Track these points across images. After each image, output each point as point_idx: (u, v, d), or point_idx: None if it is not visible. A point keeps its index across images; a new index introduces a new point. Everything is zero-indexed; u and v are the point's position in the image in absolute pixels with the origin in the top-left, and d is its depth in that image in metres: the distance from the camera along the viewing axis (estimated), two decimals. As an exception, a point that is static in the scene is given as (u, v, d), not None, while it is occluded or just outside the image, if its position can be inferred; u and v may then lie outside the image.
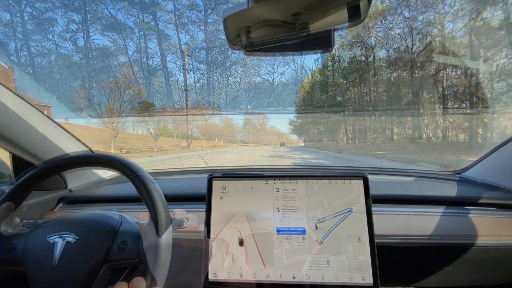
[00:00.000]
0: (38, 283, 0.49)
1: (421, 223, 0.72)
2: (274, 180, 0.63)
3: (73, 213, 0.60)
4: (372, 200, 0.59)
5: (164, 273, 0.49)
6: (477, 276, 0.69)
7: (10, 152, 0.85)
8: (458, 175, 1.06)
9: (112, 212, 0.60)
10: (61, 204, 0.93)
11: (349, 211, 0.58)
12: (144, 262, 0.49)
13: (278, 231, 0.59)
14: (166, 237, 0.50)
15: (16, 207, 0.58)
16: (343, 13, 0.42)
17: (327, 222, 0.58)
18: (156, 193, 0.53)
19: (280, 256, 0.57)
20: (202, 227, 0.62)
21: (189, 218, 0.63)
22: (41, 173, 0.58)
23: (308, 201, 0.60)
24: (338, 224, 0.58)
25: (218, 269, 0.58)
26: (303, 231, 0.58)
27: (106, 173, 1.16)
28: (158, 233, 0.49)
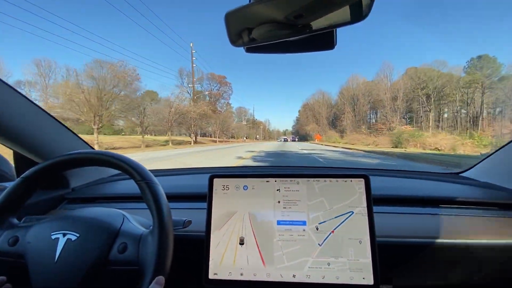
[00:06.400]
0: (39, 278, 0.50)
1: (423, 223, 0.72)
2: (275, 179, 0.63)
3: (77, 211, 0.60)
4: (373, 200, 0.58)
5: (162, 282, 0.48)
6: (478, 275, 0.69)
7: (14, 151, 0.85)
8: (459, 175, 1.06)
9: (115, 211, 0.60)
10: (63, 203, 0.93)
11: (350, 213, 0.58)
12: (142, 270, 0.48)
13: (279, 230, 0.59)
14: (168, 246, 0.50)
15: (21, 204, 0.58)
16: (346, 12, 0.42)
17: (328, 225, 0.58)
18: (162, 201, 0.53)
19: (281, 257, 0.57)
20: (202, 226, 0.62)
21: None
22: (47, 169, 0.58)
23: (310, 204, 0.60)
24: (339, 227, 0.58)
25: (218, 268, 0.58)
26: (303, 230, 0.58)
27: (108, 171, 1.16)
28: (160, 242, 0.49)
